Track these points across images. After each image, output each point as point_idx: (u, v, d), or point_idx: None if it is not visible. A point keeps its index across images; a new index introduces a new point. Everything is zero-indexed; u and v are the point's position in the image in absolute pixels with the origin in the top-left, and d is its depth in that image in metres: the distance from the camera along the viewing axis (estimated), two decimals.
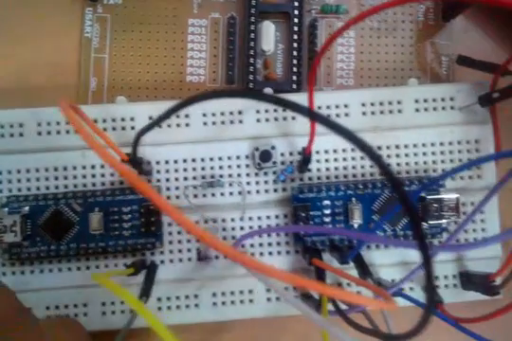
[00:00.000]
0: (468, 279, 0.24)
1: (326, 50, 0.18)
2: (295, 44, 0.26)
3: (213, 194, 0.24)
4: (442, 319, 0.22)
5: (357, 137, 0.11)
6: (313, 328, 0.24)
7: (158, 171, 0.24)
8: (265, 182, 0.24)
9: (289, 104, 0.10)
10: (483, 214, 0.24)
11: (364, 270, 0.22)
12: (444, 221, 0.23)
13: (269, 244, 0.24)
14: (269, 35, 0.26)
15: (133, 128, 0.24)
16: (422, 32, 0.27)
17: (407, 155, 0.24)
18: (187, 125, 0.24)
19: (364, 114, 0.24)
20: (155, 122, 0.15)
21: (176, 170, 0.24)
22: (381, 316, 0.20)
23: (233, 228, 0.24)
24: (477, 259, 0.24)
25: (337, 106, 0.24)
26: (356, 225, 0.23)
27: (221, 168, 0.24)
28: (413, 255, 0.24)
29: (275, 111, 0.24)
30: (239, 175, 0.24)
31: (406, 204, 0.11)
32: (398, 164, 0.24)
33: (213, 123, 0.24)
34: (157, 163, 0.24)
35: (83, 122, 0.19)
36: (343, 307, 0.21)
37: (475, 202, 0.24)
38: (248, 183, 0.24)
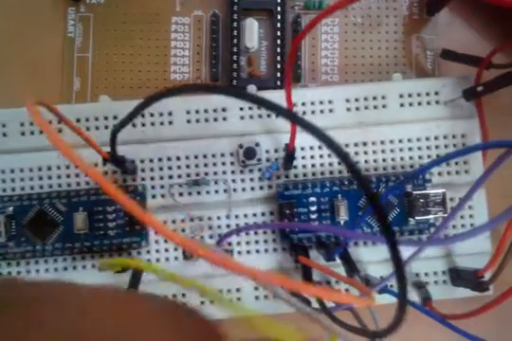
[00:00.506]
0: (458, 276, 0.23)
1: (308, 31, 0.18)
2: (278, 41, 0.26)
3: (199, 192, 0.24)
4: (429, 316, 0.22)
5: (326, 135, 0.11)
6: (301, 326, 0.24)
7: (143, 170, 0.23)
8: (251, 179, 0.24)
9: (250, 98, 0.10)
10: (471, 209, 0.24)
11: (351, 267, 0.22)
12: (431, 216, 0.23)
13: (256, 242, 0.24)
14: (253, 32, 0.26)
15: None
16: (407, 27, 0.27)
17: (392, 151, 0.24)
18: (170, 123, 0.24)
19: (349, 109, 0.24)
20: (128, 118, 0.14)
21: (161, 169, 0.24)
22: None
23: (219, 226, 0.24)
24: (466, 254, 0.24)
25: (321, 102, 0.24)
26: (342, 222, 0.23)
27: (206, 165, 0.24)
28: (401, 251, 0.23)
29: (259, 108, 0.24)
30: (224, 173, 0.24)
31: (373, 202, 0.11)
32: (384, 159, 0.24)
33: (197, 121, 0.24)
34: (142, 161, 0.23)
35: (63, 121, 0.19)
36: (331, 305, 0.21)
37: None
38: (234, 180, 0.24)
